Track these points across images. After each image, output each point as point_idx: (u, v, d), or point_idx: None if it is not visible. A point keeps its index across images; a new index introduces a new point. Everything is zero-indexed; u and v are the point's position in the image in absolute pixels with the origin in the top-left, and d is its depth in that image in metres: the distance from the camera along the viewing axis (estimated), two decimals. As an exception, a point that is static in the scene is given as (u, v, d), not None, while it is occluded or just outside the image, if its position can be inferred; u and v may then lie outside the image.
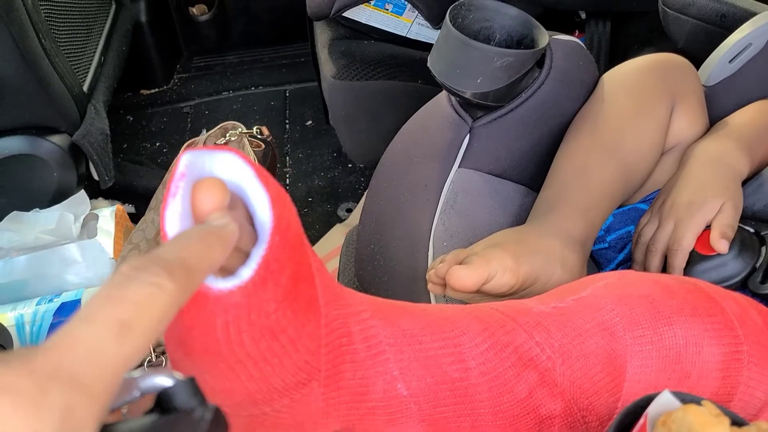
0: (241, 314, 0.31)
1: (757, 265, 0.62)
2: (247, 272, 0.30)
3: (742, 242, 0.63)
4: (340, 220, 1.58)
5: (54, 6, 1.39)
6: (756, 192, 0.67)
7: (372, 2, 1.36)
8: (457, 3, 0.72)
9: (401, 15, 1.38)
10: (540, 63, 0.72)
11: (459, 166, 0.73)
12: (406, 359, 0.41)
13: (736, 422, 0.37)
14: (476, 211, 0.70)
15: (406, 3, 1.35)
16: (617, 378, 0.46)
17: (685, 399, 0.37)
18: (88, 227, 1.43)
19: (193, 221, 0.31)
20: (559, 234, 0.61)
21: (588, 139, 0.69)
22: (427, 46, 1.36)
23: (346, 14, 1.37)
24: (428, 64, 0.73)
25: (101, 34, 1.65)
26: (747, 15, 0.82)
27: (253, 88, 2.03)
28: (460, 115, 0.74)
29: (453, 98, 0.75)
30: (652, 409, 0.36)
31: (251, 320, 0.31)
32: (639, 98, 0.70)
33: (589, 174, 0.67)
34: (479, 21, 0.74)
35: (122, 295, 0.23)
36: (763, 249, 0.63)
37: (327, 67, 1.32)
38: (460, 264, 0.54)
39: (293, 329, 0.34)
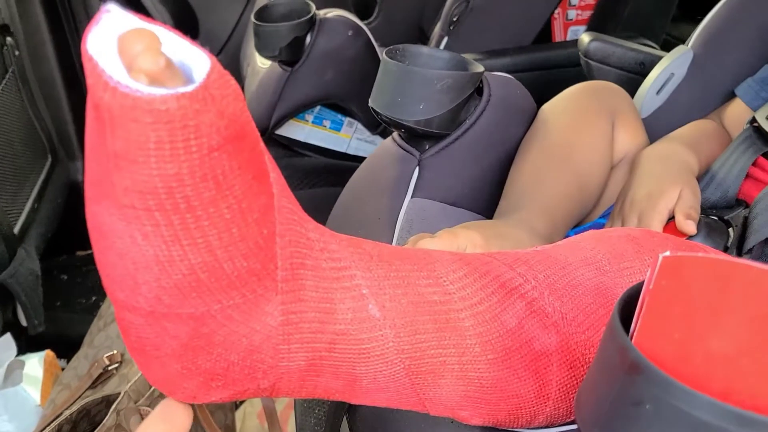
0: (178, 132, 0.26)
1: (729, 244, 0.60)
2: (185, 88, 0.26)
3: (708, 225, 0.61)
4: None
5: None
6: (709, 185, 0.66)
7: (310, 120, 1.40)
8: (391, 48, 0.75)
9: (339, 131, 1.42)
10: (480, 92, 0.74)
11: (412, 197, 0.70)
12: (375, 278, 0.36)
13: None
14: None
15: (344, 119, 1.40)
16: (612, 311, 0.41)
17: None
18: (13, 375, 1.31)
19: (119, 58, 0.27)
20: (525, 227, 0.59)
21: (538, 153, 0.69)
22: (366, 159, 1.39)
23: (284, 133, 1.40)
24: (369, 104, 0.73)
25: (36, 182, 1.63)
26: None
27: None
28: (407, 150, 0.73)
29: (398, 137, 0.75)
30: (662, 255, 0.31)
31: (190, 147, 0.27)
32: (580, 115, 0.71)
33: (543, 181, 0.65)
34: (414, 65, 0.75)
35: None
36: (730, 230, 0.61)
37: (269, 181, 1.32)
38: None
39: (242, 190, 0.29)
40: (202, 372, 0.33)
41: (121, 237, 0.28)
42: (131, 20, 0.29)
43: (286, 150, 1.41)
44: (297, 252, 0.33)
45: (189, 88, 0.27)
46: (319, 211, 1.34)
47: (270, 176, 0.32)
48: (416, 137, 0.73)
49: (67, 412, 1.01)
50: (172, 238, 0.28)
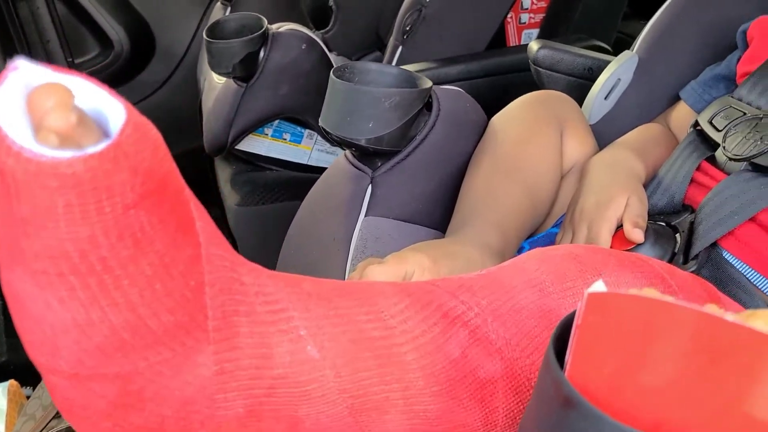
0: (88, 195, 0.25)
1: (676, 250, 0.61)
2: (93, 148, 0.26)
3: (655, 232, 0.62)
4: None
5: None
6: (656, 191, 0.67)
7: (270, 134, 1.39)
8: (338, 66, 0.74)
9: (300, 143, 1.41)
10: (429, 107, 0.74)
11: (365, 215, 0.70)
12: (313, 318, 0.35)
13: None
14: (388, 254, 0.67)
15: (303, 131, 1.39)
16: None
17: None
18: (-25, 409, 1.27)
19: (28, 117, 0.27)
20: (477, 243, 0.58)
21: (488, 167, 0.69)
22: (328, 170, 1.38)
23: (245, 148, 1.39)
24: (320, 124, 0.73)
25: None
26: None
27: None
28: (359, 168, 0.73)
29: (350, 155, 0.75)
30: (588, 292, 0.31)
31: (102, 208, 0.26)
32: (529, 125, 0.72)
33: (494, 194, 0.66)
34: (363, 83, 0.75)
35: None
36: (677, 236, 0.62)
37: (231, 198, 1.31)
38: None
39: (163, 245, 0.29)
40: (135, 428, 0.32)
41: (36, 302, 0.27)
42: (42, 74, 0.28)
43: (247, 165, 1.40)
44: (230, 299, 0.33)
45: (99, 148, 0.26)
46: (283, 225, 1.34)
47: (196, 225, 0.32)
48: (368, 155, 0.73)
49: (31, 446, 0.99)
50: (89, 300, 0.27)
